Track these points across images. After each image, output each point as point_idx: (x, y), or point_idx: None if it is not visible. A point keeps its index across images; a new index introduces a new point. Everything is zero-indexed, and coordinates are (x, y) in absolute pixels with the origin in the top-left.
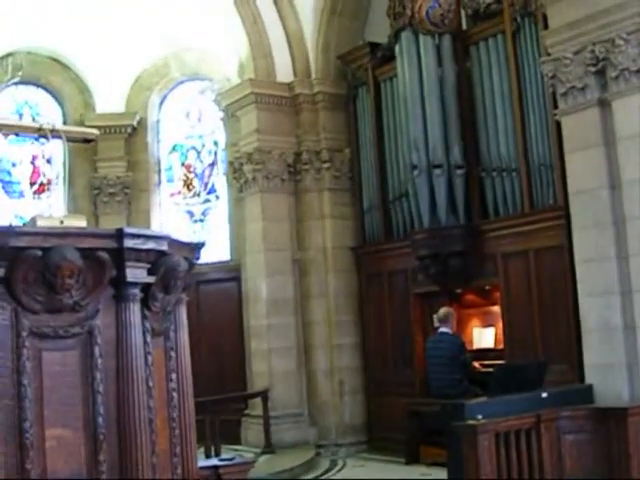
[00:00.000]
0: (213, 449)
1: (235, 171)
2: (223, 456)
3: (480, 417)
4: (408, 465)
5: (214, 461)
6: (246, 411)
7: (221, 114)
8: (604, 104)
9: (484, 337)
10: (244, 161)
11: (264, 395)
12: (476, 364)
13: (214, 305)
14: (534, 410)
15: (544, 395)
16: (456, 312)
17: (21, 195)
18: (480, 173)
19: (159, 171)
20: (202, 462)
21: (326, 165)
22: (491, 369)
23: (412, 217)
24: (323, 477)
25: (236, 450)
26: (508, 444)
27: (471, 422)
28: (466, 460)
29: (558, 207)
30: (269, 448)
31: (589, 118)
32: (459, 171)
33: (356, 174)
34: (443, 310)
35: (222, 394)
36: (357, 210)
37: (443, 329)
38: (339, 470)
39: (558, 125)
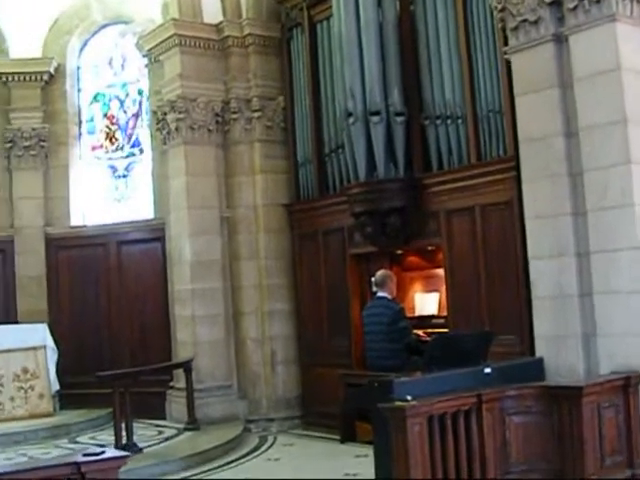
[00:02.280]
0: (124, 428)
1: (158, 121)
2: (90, 450)
3: (410, 398)
4: (343, 444)
5: (77, 456)
6: (171, 383)
7: (145, 60)
8: (560, 40)
9: (427, 303)
10: (167, 110)
11: (187, 366)
12: (420, 332)
13: (137, 268)
14: (475, 388)
15: (487, 370)
16: (397, 275)
17: None
18: (422, 121)
19: (79, 122)
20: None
21: (257, 115)
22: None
23: (348, 171)
24: (241, 460)
25: (158, 426)
26: (443, 428)
27: (399, 403)
28: (394, 448)
29: (508, 158)
30: (193, 424)
31: (543, 56)
32: (399, 119)
33: (290, 125)
34: (380, 273)
35: (146, 365)
36: (291, 164)
37: (381, 294)
38: (267, 449)
39: (508, 66)
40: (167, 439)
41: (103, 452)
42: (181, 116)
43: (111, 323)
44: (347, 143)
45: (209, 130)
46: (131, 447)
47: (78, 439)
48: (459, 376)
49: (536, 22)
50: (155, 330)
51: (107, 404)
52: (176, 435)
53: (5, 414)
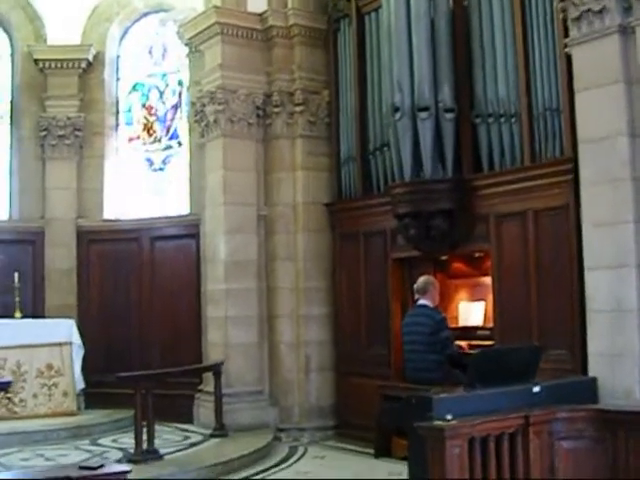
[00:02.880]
0: (145, 432)
1: (197, 113)
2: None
3: (450, 417)
4: (377, 459)
5: (71, 470)
6: (200, 387)
7: (186, 50)
8: (626, 31)
9: (472, 313)
10: (206, 101)
11: (216, 369)
12: (463, 344)
13: (170, 265)
14: (522, 408)
15: (536, 389)
16: (440, 282)
17: None
18: (473, 119)
19: (117, 112)
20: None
21: (300, 109)
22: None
23: (393, 170)
24: (269, 471)
25: (185, 431)
26: (486, 452)
27: (438, 423)
28: (431, 471)
29: (565, 160)
30: (220, 430)
31: (607, 49)
32: (448, 115)
33: (334, 120)
34: (422, 279)
35: (176, 366)
36: (333, 161)
37: (422, 301)
38: (296, 461)
39: (568, 60)
40: (192, 445)
41: (102, 466)
42: (220, 108)
43: (141, 321)
44: (393, 140)
45: (249, 123)
46: (152, 453)
47: (100, 441)
48: (505, 394)
49: (600, 12)
50: (187, 330)
51: (133, 405)
52: (202, 441)
53: (27, 411)
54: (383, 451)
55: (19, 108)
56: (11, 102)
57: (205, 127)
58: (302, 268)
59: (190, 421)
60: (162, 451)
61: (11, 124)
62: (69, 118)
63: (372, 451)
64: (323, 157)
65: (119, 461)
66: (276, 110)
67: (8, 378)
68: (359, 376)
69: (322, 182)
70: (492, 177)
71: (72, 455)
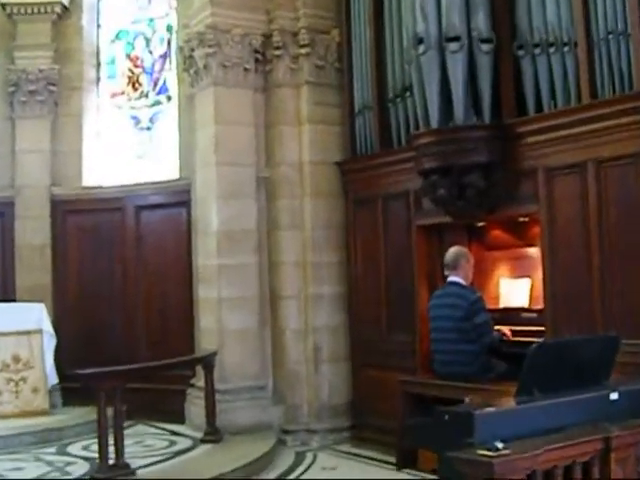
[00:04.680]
0: (113, 444)
1: (185, 60)
2: None
3: (500, 445)
4: (400, 470)
5: None
6: (192, 381)
7: None
8: None
9: (515, 292)
10: (195, 44)
11: (207, 361)
12: (505, 330)
13: (158, 238)
14: (598, 425)
15: (614, 396)
16: (476, 255)
17: None
18: (515, 51)
19: (97, 64)
20: None
21: (305, 51)
22: (525, 339)
23: (417, 117)
24: None
25: (173, 434)
26: None
27: (484, 453)
28: None
29: (635, 95)
30: (213, 435)
31: None
32: (485, 47)
33: (346, 64)
34: (453, 251)
35: (166, 356)
36: (345, 112)
37: (453, 278)
38: (303, 472)
39: None
40: (176, 454)
41: None
42: (211, 51)
43: (126, 304)
44: (416, 80)
45: (245, 69)
46: (121, 468)
47: (69, 448)
48: (573, 405)
49: None
50: (177, 314)
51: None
52: (189, 449)
53: None
54: (407, 461)
55: None
56: None
57: (194, 75)
58: (310, 239)
59: (181, 420)
60: (138, 463)
61: None
62: (41, 71)
63: (394, 460)
64: (333, 108)
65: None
66: (277, 53)
67: None
68: (378, 369)
69: (332, 137)
70: (540, 121)
71: (28, 469)
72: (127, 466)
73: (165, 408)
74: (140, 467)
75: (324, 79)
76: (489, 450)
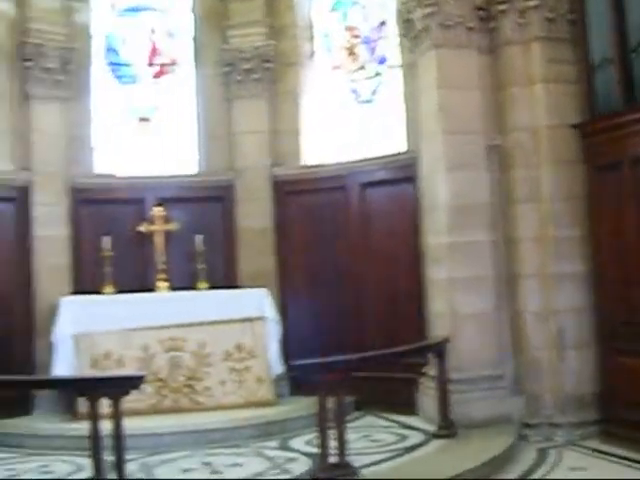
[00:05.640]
0: (330, 440)
1: (403, 24)
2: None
3: None
4: None
5: None
6: (423, 369)
7: None
8: None
9: None
10: (412, 6)
11: (439, 348)
12: None
13: (384, 217)
14: None
15: None
16: None
17: (135, 80)
18: None
19: (312, 38)
20: None
21: (534, 3)
22: None
23: None
24: None
25: (405, 427)
26: None
27: None
28: None
29: None
30: (446, 429)
31: None
32: None
33: (579, 15)
34: None
35: (395, 344)
36: (582, 68)
37: None
38: (547, 473)
39: None
40: (407, 450)
41: None
42: (429, 11)
43: (353, 288)
44: None
45: (468, 28)
46: (342, 468)
47: (292, 442)
48: None
49: None
50: (406, 297)
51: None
52: (420, 444)
53: (214, 401)
54: None
55: (200, 44)
56: (194, 39)
57: (414, 39)
58: (549, 212)
59: (413, 412)
60: (364, 460)
61: (195, 64)
62: (256, 48)
63: None
64: (568, 64)
65: (302, 478)
66: (502, 8)
67: (142, 372)
68: (632, 355)
69: (568, 97)
70: None
71: (248, 464)
72: (348, 466)
73: (396, 398)
74: (365, 465)
75: (556, 33)
76: None
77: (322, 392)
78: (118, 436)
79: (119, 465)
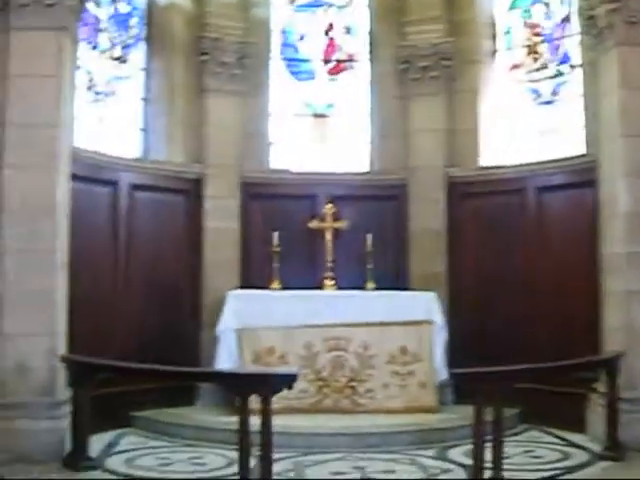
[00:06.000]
0: (487, 453)
1: (586, 21)
2: None
3: None
4: None
5: None
6: (595, 385)
7: None
8: None
9: None
10: (596, 2)
11: (611, 364)
12: None
13: (562, 223)
14: None
15: None
16: None
17: (312, 76)
18: None
19: (493, 35)
20: None
21: None
22: None
23: None
24: None
25: (570, 445)
26: None
27: None
28: None
29: None
30: (613, 451)
31: None
32: None
33: None
34: None
35: (569, 356)
36: None
37: None
38: None
39: None
40: (567, 470)
41: None
42: (614, 6)
43: (524, 297)
44: None
45: None
46: None
47: (450, 452)
48: None
49: None
50: (580, 308)
51: (517, 403)
52: (583, 465)
53: (375, 404)
54: None
55: (377, 40)
56: (370, 35)
57: (596, 37)
58: None
59: (581, 429)
60: (522, 477)
61: (370, 60)
62: (434, 45)
63: None
64: None
65: None
66: None
67: (293, 370)
68: None
69: None
70: None
71: (401, 472)
72: None
73: (564, 414)
74: None
75: None
76: None
77: (480, 403)
78: (266, 434)
79: (265, 463)
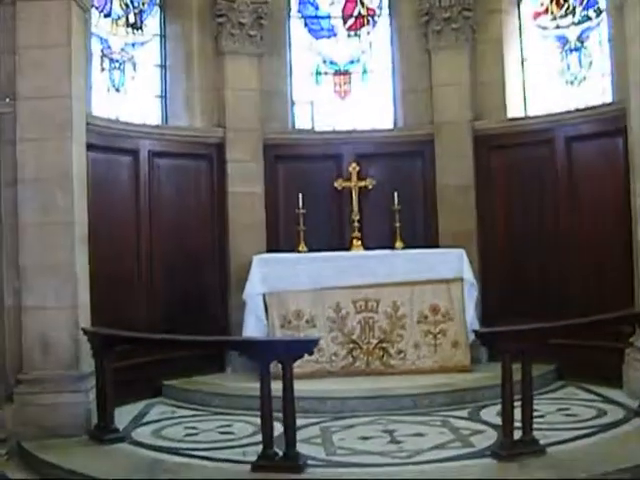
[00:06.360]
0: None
1: None
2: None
3: None
4: None
5: None
6: (632, 339)
7: None
8: None
9: None
10: None
11: None
12: None
13: (592, 173)
14: None
15: None
16: None
17: (332, 34)
18: None
19: None
20: None
21: None
22: None
23: None
24: None
25: (607, 401)
26: None
27: None
28: None
29: None
30: None
31: None
32: None
33: None
34: None
35: (600, 310)
36: None
37: None
38: None
39: None
40: (603, 429)
41: None
42: None
43: (557, 250)
44: None
45: None
46: (528, 445)
47: (483, 413)
48: None
49: None
50: (614, 261)
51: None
52: (619, 423)
53: (407, 365)
54: None
55: None
56: None
57: None
58: None
59: (618, 384)
60: (555, 437)
61: (390, 15)
62: None
63: None
64: None
65: (482, 454)
66: None
67: (315, 336)
68: None
69: None
70: None
71: (431, 435)
72: (534, 442)
73: (602, 369)
74: (553, 443)
75: None
76: None
77: (507, 362)
78: (289, 400)
79: (288, 431)
